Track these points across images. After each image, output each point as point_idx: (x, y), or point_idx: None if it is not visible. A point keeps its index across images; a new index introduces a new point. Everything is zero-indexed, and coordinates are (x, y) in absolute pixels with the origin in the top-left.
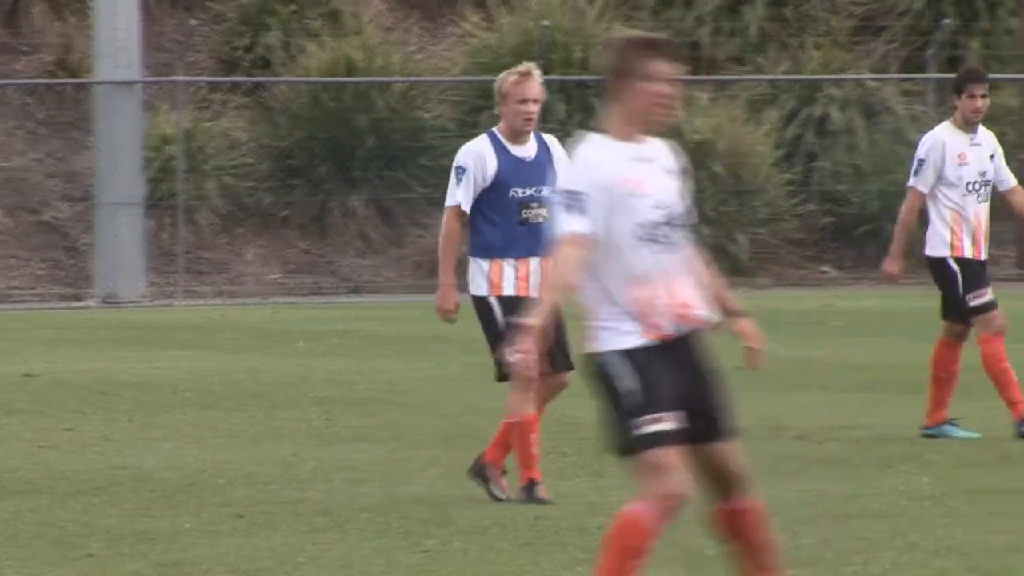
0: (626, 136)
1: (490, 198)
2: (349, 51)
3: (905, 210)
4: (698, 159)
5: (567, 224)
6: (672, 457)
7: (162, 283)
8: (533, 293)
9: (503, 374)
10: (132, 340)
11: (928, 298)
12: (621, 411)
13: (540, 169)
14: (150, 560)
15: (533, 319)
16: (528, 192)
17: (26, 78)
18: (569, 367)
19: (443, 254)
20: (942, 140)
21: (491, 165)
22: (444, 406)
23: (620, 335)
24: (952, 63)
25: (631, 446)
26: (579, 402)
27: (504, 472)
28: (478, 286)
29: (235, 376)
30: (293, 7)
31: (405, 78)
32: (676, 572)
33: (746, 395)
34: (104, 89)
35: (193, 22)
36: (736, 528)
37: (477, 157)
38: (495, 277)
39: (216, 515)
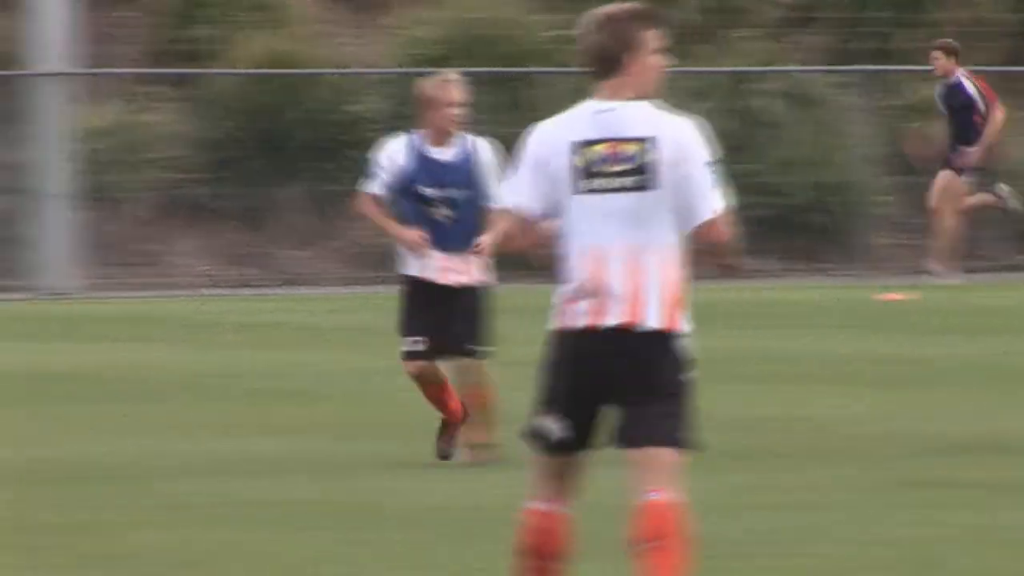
0: None
1: (403, 195)
2: (280, 43)
3: None
4: None
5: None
6: None
7: (95, 275)
8: (452, 280)
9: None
10: (64, 332)
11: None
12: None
13: (454, 171)
14: (77, 552)
15: None
16: (436, 193)
17: None
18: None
19: (381, 222)
20: None
21: (401, 163)
22: (373, 398)
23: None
24: (881, 55)
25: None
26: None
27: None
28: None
29: (167, 368)
30: None
31: (335, 70)
32: (606, 566)
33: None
34: (36, 81)
35: (126, 14)
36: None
37: (389, 153)
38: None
39: (146, 507)
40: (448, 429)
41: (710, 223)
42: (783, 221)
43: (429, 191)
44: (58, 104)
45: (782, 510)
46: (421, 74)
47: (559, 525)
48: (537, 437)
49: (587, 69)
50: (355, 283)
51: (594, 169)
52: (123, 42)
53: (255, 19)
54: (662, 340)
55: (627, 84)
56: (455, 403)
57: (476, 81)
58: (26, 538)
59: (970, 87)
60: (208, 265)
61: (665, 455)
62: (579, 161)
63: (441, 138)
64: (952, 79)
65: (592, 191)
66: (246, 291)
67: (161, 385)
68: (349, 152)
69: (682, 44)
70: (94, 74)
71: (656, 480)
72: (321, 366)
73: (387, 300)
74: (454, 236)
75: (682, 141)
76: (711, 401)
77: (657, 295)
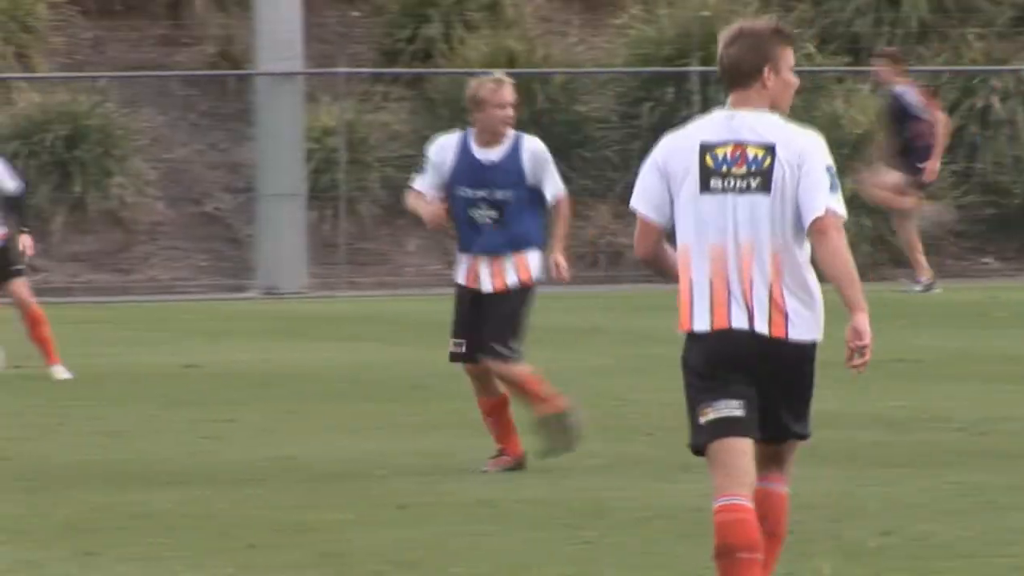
0: None
1: (449, 195)
2: (510, 43)
3: None
4: (859, 150)
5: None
6: None
7: (323, 274)
8: (486, 288)
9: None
10: (293, 331)
11: None
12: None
13: (497, 172)
14: (310, 551)
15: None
16: (477, 193)
17: (188, 69)
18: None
19: (413, 207)
20: None
21: (448, 162)
22: (601, 397)
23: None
24: None
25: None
26: None
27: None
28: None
29: (396, 367)
30: None
31: (566, 70)
32: (836, 563)
33: (907, 386)
34: (266, 81)
35: (355, 14)
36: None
37: (437, 150)
38: (457, 268)
39: (376, 506)
40: (497, 456)
41: (821, 219)
42: (1012, 220)
43: (470, 192)
44: (288, 103)
45: (1007, 510)
46: (653, 75)
47: (746, 515)
48: (705, 426)
49: (723, 78)
50: (584, 282)
51: (720, 170)
52: (352, 41)
53: (485, 19)
54: (786, 344)
55: (759, 96)
56: (513, 441)
57: (703, 81)
58: (257, 536)
59: (911, 97)
60: (438, 265)
61: (788, 448)
62: (706, 162)
63: (490, 139)
64: (895, 88)
65: (716, 191)
66: None
67: (390, 385)
68: (577, 152)
69: (913, 43)
70: (323, 74)
71: (779, 469)
72: (550, 364)
73: (615, 299)
74: (497, 238)
75: (804, 148)
76: (939, 401)
77: (771, 297)
